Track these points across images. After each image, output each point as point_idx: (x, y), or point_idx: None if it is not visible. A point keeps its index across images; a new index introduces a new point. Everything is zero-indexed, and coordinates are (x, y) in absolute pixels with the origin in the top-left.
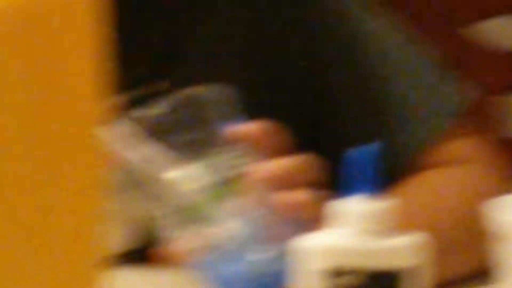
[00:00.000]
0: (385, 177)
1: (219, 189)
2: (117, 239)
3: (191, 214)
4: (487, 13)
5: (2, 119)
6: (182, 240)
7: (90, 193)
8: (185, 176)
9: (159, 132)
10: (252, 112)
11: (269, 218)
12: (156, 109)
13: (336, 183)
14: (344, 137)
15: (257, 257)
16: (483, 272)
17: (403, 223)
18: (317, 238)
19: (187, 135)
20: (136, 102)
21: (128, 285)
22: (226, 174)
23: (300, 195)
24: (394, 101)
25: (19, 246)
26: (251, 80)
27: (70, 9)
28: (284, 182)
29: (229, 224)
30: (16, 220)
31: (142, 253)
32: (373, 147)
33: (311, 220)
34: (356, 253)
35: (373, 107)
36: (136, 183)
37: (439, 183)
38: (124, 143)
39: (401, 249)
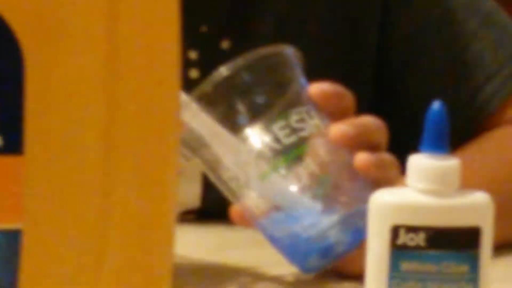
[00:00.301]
0: (458, 135)
1: (291, 150)
2: (186, 196)
3: (260, 177)
4: None
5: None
6: (249, 201)
7: (166, 152)
8: (256, 137)
9: (230, 93)
10: (314, 76)
11: (342, 178)
12: (228, 69)
13: (398, 147)
14: (412, 97)
15: (323, 220)
16: None
17: (472, 182)
18: (388, 195)
19: (259, 95)
20: (200, 62)
21: (189, 241)
22: (297, 136)
23: (385, 156)
24: (471, 60)
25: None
26: (321, 47)
27: None
28: (359, 142)
29: (296, 185)
30: (93, 172)
31: (208, 211)
32: (443, 104)
33: (385, 181)
34: (425, 210)
35: (446, 61)
36: (206, 145)
37: (510, 141)
38: (195, 107)
39: (469, 208)
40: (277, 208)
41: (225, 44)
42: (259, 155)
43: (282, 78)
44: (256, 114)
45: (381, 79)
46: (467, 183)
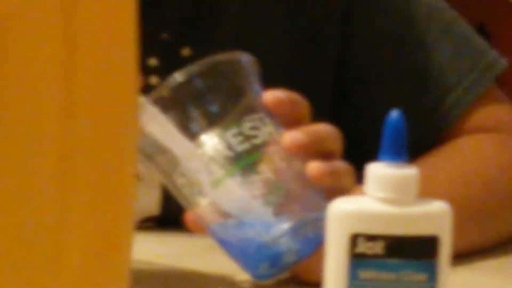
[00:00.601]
0: (416, 143)
1: (243, 157)
2: (145, 203)
3: (213, 183)
4: None
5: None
6: (202, 208)
7: (123, 157)
8: (209, 144)
9: (185, 99)
10: (273, 83)
11: (294, 186)
12: (183, 75)
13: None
14: (372, 106)
15: (275, 227)
16: None
17: (432, 190)
18: (347, 203)
19: (213, 102)
20: (160, 69)
21: (146, 248)
22: (250, 143)
23: (338, 164)
24: (432, 70)
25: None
26: (281, 53)
27: None
28: (313, 150)
29: (249, 192)
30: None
31: (167, 218)
32: (401, 113)
33: (339, 189)
34: (384, 219)
35: (407, 71)
36: (161, 150)
37: (471, 150)
38: (151, 110)
39: (427, 216)
40: (229, 214)
41: (185, 52)
42: (212, 161)
43: (237, 86)
44: (210, 121)
45: (341, 88)
46: (426, 192)
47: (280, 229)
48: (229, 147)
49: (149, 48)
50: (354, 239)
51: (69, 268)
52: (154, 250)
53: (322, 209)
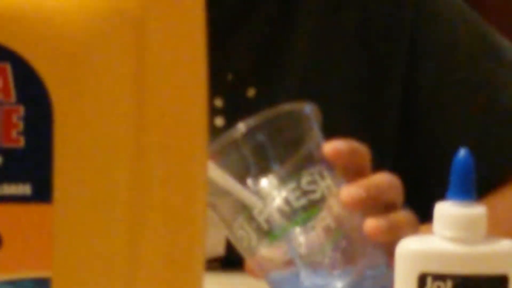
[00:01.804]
0: (485, 183)
1: (299, 214)
2: (211, 243)
3: (274, 233)
4: None
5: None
6: (260, 257)
7: (193, 192)
8: (267, 198)
9: (245, 151)
10: (339, 122)
11: (353, 240)
12: (244, 127)
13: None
14: (437, 145)
15: (332, 282)
16: None
17: (500, 229)
18: (415, 243)
19: (273, 155)
20: (225, 110)
21: None
22: (307, 199)
23: (398, 216)
24: (498, 107)
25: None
26: (347, 92)
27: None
28: (372, 203)
29: (310, 245)
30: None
31: (232, 259)
32: (469, 152)
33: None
34: (452, 258)
35: (472, 110)
36: (222, 194)
37: None
38: (217, 152)
39: (496, 255)
40: (287, 265)
41: (250, 92)
42: (270, 215)
43: (297, 137)
44: (268, 173)
45: (406, 129)
46: (494, 231)
47: (338, 284)
48: (287, 202)
49: (215, 89)
50: (423, 278)
51: None
52: None
53: (380, 265)
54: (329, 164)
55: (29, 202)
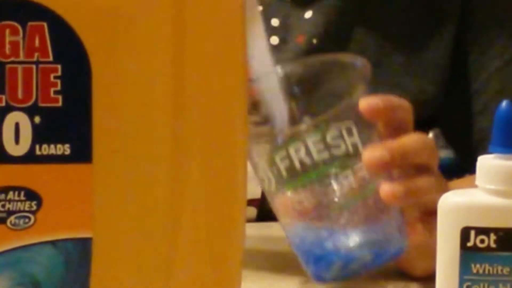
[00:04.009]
0: None
1: (319, 168)
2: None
3: (307, 176)
4: None
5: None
6: (291, 198)
7: (233, 158)
8: (311, 140)
9: (291, 86)
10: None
11: (374, 202)
12: (301, 66)
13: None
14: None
15: (351, 236)
16: None
17: None
18: (458, 196)
19: (312, 99)
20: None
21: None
22: (329, 152)
23: (421, 181)
24: None
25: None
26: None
27: None
28: (405, 162)
29: (338, 197)
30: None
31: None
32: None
33: (423, 206)
34: (495, 212)
35: None
36: (264, 135)
37: None
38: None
39: None
40: (308, 214)
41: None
42: (289, 168)
43: (339, 89)
44: (298, 120)
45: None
46: None
47: (358, 240)
48: (308, 153)
49: (273, 9)
50: (466, 232)
51: (181, 268)
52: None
53: (394, 226)
54: (366, 121)
55: (69, 162)
